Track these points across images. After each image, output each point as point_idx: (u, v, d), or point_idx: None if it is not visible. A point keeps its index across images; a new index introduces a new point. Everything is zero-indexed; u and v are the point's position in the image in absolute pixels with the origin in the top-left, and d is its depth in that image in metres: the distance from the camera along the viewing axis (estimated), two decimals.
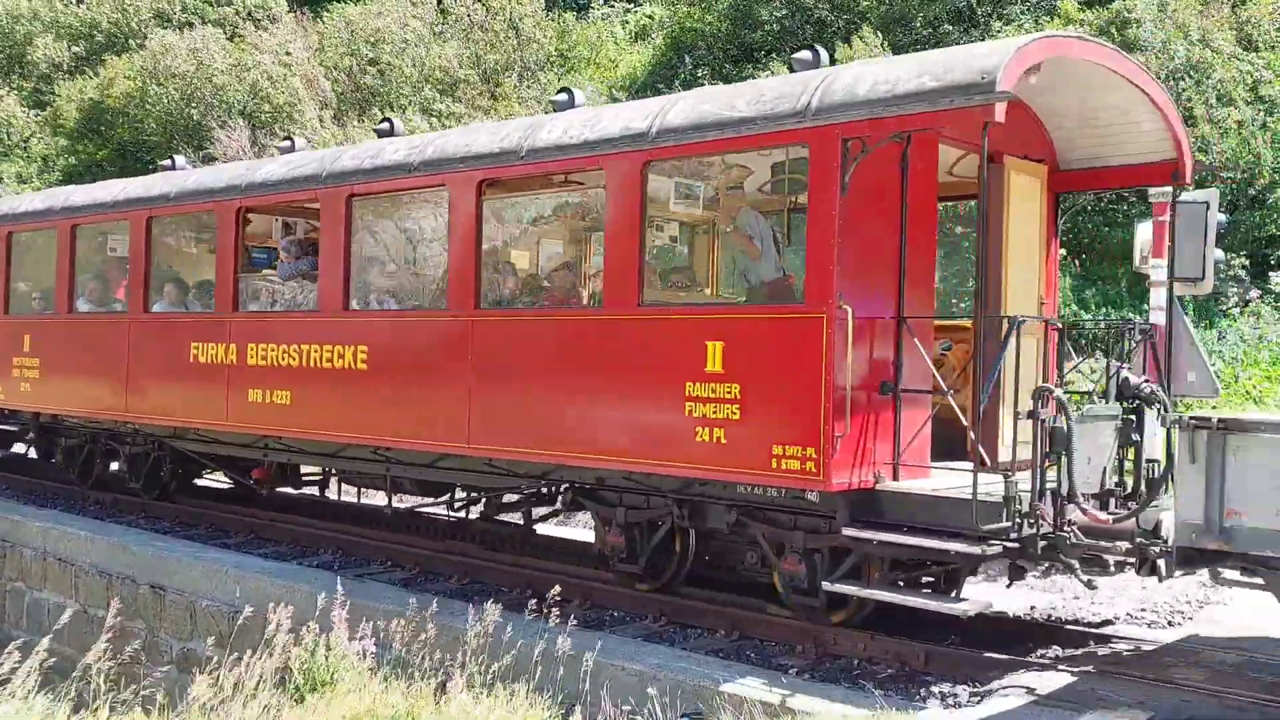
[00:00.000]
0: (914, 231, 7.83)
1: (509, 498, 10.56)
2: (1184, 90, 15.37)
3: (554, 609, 7.63)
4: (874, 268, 7.64)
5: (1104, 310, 15.23)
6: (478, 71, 25.38)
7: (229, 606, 9.81)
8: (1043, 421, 7.06)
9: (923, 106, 6.97)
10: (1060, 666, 7.33)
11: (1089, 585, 7.51)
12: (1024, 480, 7.12)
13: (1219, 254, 8.73)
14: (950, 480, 7.60)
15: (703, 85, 18.70)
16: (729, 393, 7.73)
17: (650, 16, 27.83)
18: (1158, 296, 8.37)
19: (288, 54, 27.15)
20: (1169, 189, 8.43)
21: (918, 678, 7.25)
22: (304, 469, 12.94)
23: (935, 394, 7.89)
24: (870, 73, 7.44)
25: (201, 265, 12.97)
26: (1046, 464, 7.12)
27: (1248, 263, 14.97)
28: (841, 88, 7.41)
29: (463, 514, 11.29)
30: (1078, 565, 7.28)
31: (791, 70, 8.47)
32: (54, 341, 14.01)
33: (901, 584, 7.92)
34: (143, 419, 12.77)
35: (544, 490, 9.73)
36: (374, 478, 10.97)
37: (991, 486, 7.11)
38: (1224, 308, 14.83)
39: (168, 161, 13.99)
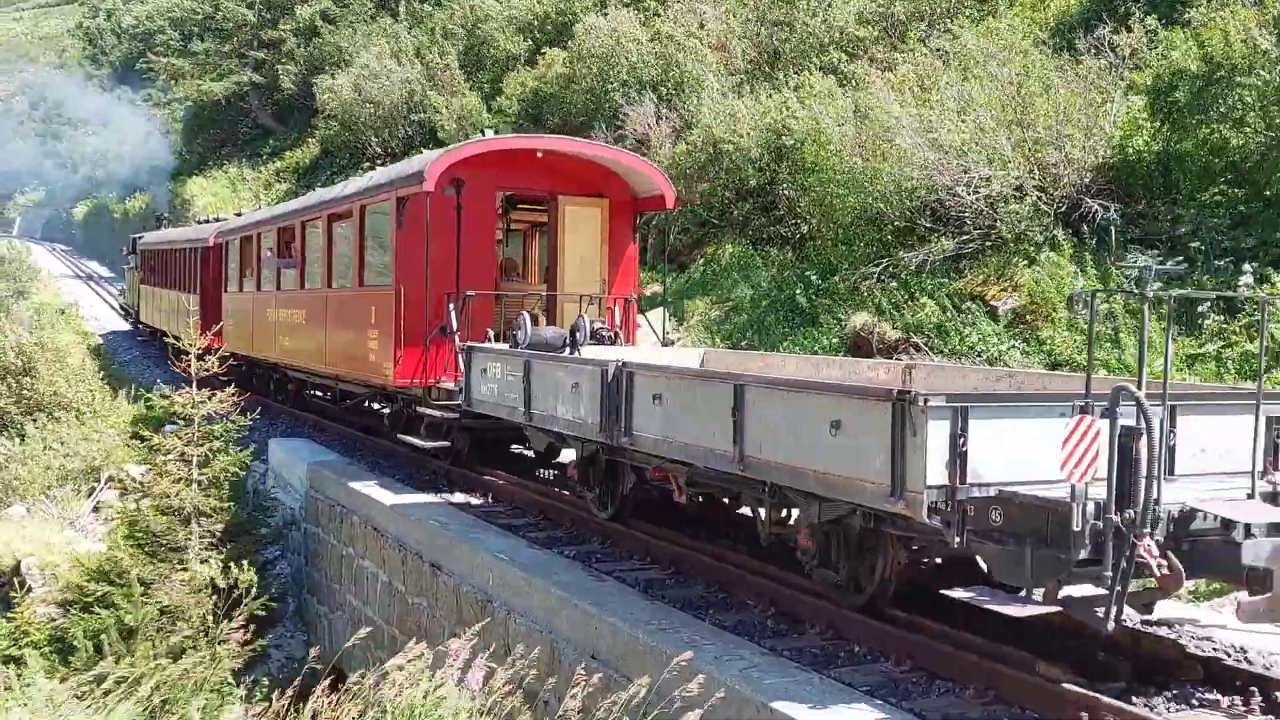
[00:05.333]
0: (470, 243, 13.76)
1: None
2: None
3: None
4: (437, 265, 13.73)
5: None
6: (880, 26, 24.00)
7: (482, 594, 9.63)
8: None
9: (412, 181, 13.17)
10: None
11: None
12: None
13: None
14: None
15: (1133, 15, 18.07)
16: (375, 335, 14.28)
17: None
18: None
19: (700, 26, 27.01)
20: None
21: None
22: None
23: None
24: (417, 161, 13.69)
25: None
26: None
27: None
28: (404, 170, 13.71)
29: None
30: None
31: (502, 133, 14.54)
32: (234, 309, 22.79)
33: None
34: (256, 355, 21.10)
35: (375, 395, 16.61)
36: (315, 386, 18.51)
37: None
38: None
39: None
